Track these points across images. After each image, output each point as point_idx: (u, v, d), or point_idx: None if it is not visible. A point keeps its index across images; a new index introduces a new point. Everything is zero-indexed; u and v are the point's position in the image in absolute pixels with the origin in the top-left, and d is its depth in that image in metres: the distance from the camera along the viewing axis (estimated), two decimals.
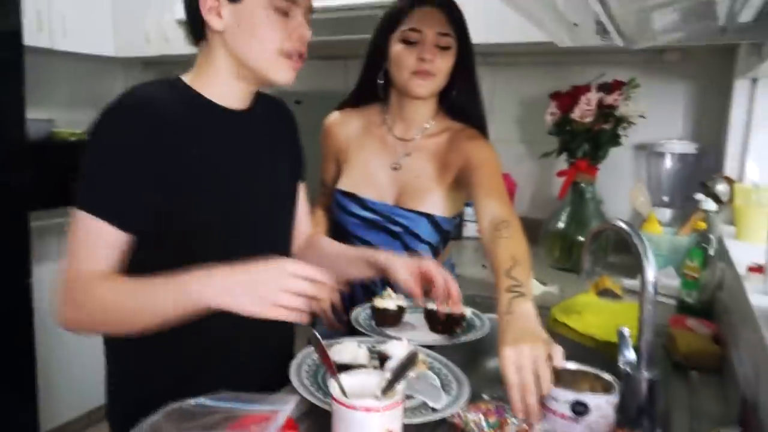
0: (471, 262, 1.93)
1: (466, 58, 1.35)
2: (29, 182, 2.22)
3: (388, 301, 1.22)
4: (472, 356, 1.22)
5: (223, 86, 1.01)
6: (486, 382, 1.02)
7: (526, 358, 0.81)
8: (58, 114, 2.94)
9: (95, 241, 0.91)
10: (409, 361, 0.78)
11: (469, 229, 2.21)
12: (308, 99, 2.65)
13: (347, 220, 1.41)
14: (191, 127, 0.97)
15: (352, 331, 1.25)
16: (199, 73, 1.02)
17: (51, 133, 2.77)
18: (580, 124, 1.81)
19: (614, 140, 1.83)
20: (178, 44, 2.53)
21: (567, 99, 1.86)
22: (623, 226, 0.96)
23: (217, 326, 0.92)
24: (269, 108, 1.15)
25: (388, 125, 1.43)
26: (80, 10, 2.71)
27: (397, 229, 1.37)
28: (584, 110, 1.79)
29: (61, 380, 2.52)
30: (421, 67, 1.30)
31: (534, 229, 1.97)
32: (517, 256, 1.02)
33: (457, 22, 1.33)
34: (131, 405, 0.92)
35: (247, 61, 0.98)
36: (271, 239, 1.11)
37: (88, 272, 0.90)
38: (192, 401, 0.64)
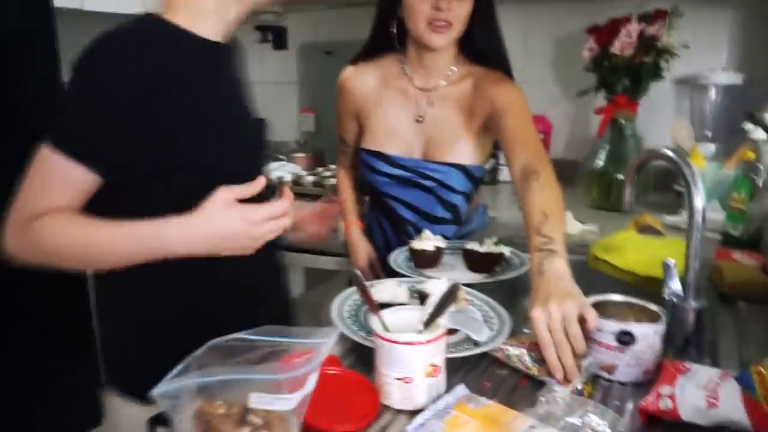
0: (507, 206, 1.89)
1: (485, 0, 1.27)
2: None
3: (426, 242, 1.20)
4: (510, 294, 1.19)
5: (211, 19, 0.92)
6: (525, 318, 1.01)
7: (555, 318, 0.78)
8: None
9: (63, 184, 0.83)
10: (451, 294, 0.77)
11: (505, 173, 2.16)
12: (339, 49, 2.60)
13: (377, 179, 1.38)
14: (191, 72, 0.89)
15: (391, 277, 1.24)
16: (181, 9, 0.90)
17: None
18: (619, 58, 1.73)
19: (656, 73, 1.74)
20: None
21: (606, 33, 1.77)
22: (670, 153, 0.91)
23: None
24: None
25: (407, 76, 1.36)
26: None
27: (429, 183, 1.34)
28: (624, 43, 1.71)
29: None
30: (437, 17, 1.21)
31: (572, 170, 1.93)
32: (547, 210, 0.97)
33: None
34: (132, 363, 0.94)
35: None
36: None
37: (44, 209, 0.83)
38: (233, 336, 0.64)
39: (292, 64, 2.83)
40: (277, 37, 2.80)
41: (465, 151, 1.31)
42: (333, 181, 2.18)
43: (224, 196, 0.83)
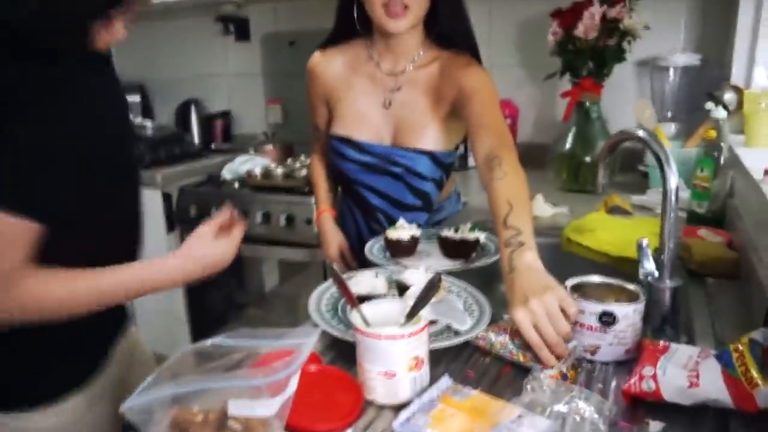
0: (478, 190, 1.89)
1: None
2: None
3: (401, 231, 1.18)
4: (486, 280, 1.19)
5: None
6: (503, 304, 1.00)
7: (540, 315, 0.76)
8: None
9: (13, 241, 0.76)
10: (432, 286, 0.75)
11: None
12: (303, 39, 2.54)
13: (347, 166, 1.35)
14: (84, 89, 0.83)
15: (365, 267, 1.22)
16: None
17: None
18: (584, 41, 1.72)
19: (619, 56, 1.75)
20: None
21: (569, 16, 1.77)
22: (643, 135, 0.90)
23: None
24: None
25: (374, 60, 1.32)
26: None
27: (397, 170, 1.31)
28: (588, 26, 1.70)
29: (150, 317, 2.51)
30: (393, 1, 1.17)
31: (540, 154, 1.93)
32: (512, 198, 0.94)
33: None
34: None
35: None
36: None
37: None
38: (209, 342, 0.61)
39: (256, 56, 2.77)
40: (239, 29, 2.73)
41: (433, 137, 1.29)
42: (304, 172, 2.14)
43: (206, 230, 0.92)
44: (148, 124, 2.70)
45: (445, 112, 1.27)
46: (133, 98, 2.99)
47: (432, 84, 1.28)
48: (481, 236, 1.18)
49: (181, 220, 2.35)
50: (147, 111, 3.05)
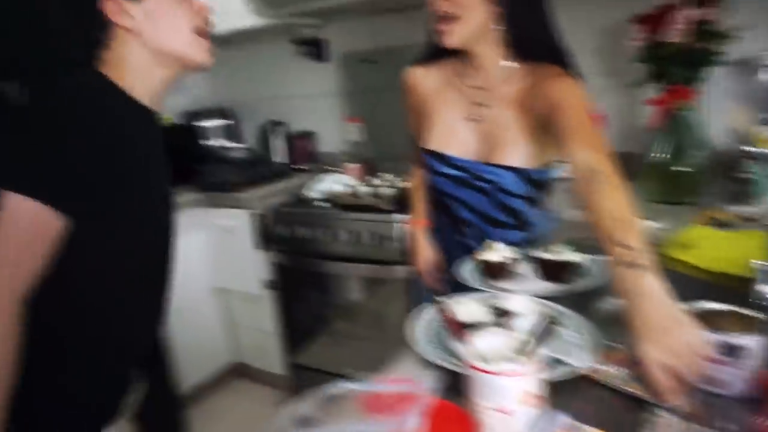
0: (565, 204, 1.83)
1: None
2: None
3: (494, 253, 1.17)
4: (578, 299, 1.15)
5: (144, 81, 1.01)
6: (603, 325, 0.96)
7: (674, 357, 0.71)
8: None
9: (36, 236, 0.84)
10: (549, 328, 0.74)
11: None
12: (381, 56, 2.57)
13: (436, 179, 1.37)
14: (129, 126, 0.98)
15: (456, 288, 1.22)
16: (114, 71, 0.99)
17: None
18: (673, 46, 1.65)
19: (712, 59, 1.66)
20: (243, 17, 2.50)
21: (654, 21, 1.69)
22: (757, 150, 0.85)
23: None
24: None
25: (463, 75, 1.33)
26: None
27: (485, 185, 1.30)
28: (676, 30, 1.63)
29: (193, 347, 2.65)
30: (436, 11, 1.16)
31: (627, 163, 1.84)
32: (620, 214, 0.90)
33: None
34: None
35: (167, 48, 1.01)
36: (171, 234, 1.17)
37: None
38: (332, 387, 0.62)
39: (335, 75, 2.82)
40: (317, 50, 2.80)
41: (522, 153, 1.25)
42: (389, 191, 2.15)
43: None
44: (235, 146, 2.82)
45: (536, 127, 1.23)
46: (219, 122, 3.13)
47: (520, 99, 1.26)
48: (580, 257, 1.15)
49: (270, 239, 2.43)
50: (232, 134, 3.17)
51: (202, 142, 3.03)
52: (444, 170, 1.34)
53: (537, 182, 1.30)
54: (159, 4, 0.99)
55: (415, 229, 1.51)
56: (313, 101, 2.96)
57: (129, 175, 0.97)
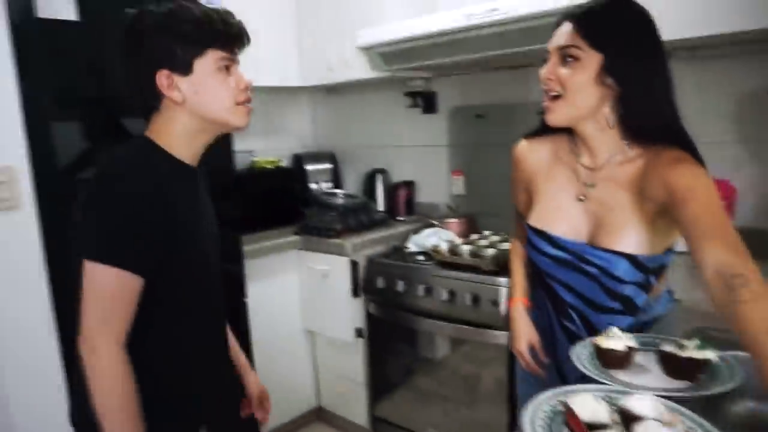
0: (689, 285, 1.70)
1: (625, 63, 1.11)
2: (238, 209, 2.39)
3: (615, 340, 1.10)
4: (709, 399, 1.04)
5: (188, 144, 1.15)
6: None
7: None
8: (255, 144, 3.17)
9: (122, 294, 1.03)
10: None
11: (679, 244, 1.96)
12: (489, 112, 2.57)
13: (539, 258, 1.31)
14: (175, 186, 1.11)
15: (558, 374, 1.16)
16: (163, 135, 1.13)
17: (252, 162, 3.00)
18: None
19: None
20: (359, 70, 2.61)
21: None
22: None
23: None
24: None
25: (575, 153, 1.28)
26: (270, 47, 2.89)
27: (592, 269, 1.22)
28: None
29: (276, 388, 2.69)
30: (544, 89, 1.18)
31: (762, 241, 1.69)
32: None
33: (592, 27, 1.12)
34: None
35: (210, 117, 1.12)
36: (218, 281, 1.27)
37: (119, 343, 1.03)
38: None
39: (442, 128, 2.84)
40: (427, 102, 2.84)
41: (635, 239, 1.17)
42: (491, 251, 2.11)
43: None
44: (338, 191, 2.89)
45: (651, 212, 1.15)
46: (325, 166, 3.24)
47: (635, 182, 1.18)
48: (712, 356, 1.05)
49: (367, 289, 2.44)
50: (337, 179, 3.27)
51: (306, 185, 3.14)
52: (548, 250, 1.28)
53: (650, 269, 1.20)
54: (205, 78, 1.09)
55: (515, 307, 1.44)
56: (417, 152, 2.99)
57: (182, 228, 1.11)
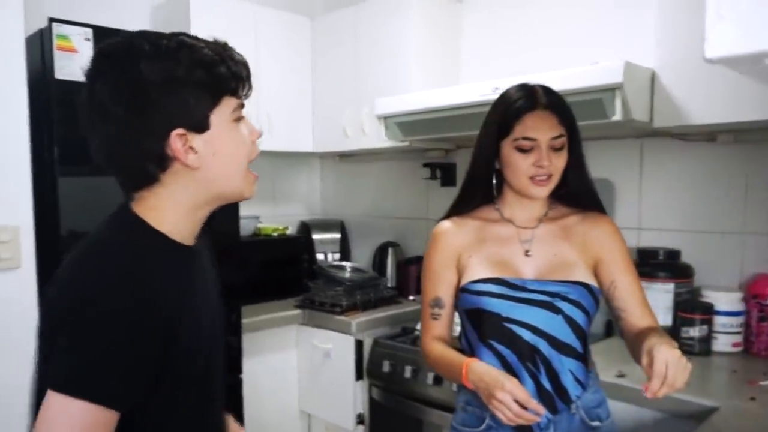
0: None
1: (576, 147, 1.41)
2: (240, 278, 2.42)
3: None
4: None
5: (191, 221, 0.99)
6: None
7: (674, 358, 1.09)
8: (261, 209, 3.25)
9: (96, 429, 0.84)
10: None
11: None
12: None
13: (495, 303, 1.34)
14: (172, 282, 0.94)
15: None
16: (159, 212, 0.95)
17: (257, 229, 3.06)
18: None
19: None
20: (375, 138, 2.72)
21: None
22: None
23: None
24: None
25: (506, 218, 1.45)
26: (283, 111, 3.02)
27: (557, 301, 1.34)
28: None
29: None
30: (539, 173, 1.35)
31: None
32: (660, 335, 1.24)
33: (566, 118, 1.38)
34: None
35: (221, 184, 0.97)
36: (220, 369, 1.14)
37: None
38: None
39: None
40: (445, 174, 2.92)
41: (584, 273, 1.39)
42: None
43: None
44: (346, 264, 2.94)
45: (591, 260, 1.41)
46: (333, 236, 3.29)
47: (571, 233, 1.43)
48: None
49: (372, 373, 2.43)
50: (345, 250, 3.31)
51: (312, 255, 3.18)
52: (505, 292, 1.36)
53: (597, 303, 1.40)
54: (221, 134, 0.94)
55: (473, 363, 1.32)
56: (432, 226, 3.03)
57: (180, 334, 0.94)
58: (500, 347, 1.36)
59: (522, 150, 1.35)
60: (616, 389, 1.65)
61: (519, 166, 1.36)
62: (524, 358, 1.34)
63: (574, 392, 1.34)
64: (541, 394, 1.32)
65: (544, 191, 1.38)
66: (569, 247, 1.42)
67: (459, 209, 1.50)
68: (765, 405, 1.54)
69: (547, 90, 1.39)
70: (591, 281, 1.38)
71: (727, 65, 1.06)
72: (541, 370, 1.33)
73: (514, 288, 1.37)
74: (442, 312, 1.46)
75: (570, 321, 1.35)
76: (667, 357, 1.09)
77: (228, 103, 0.95)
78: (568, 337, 1.35)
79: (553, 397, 1.33)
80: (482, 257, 1.42)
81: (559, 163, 1.37)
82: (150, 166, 0.92)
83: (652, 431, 1.67)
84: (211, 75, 0.92)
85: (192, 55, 0.91)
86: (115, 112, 0.89)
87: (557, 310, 1.34)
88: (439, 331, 1.47)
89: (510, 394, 1.19)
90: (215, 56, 0.93)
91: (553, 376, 1.33)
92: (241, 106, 0.98)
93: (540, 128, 1.35)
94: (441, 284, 1.46)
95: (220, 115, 0.94)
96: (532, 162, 1.35)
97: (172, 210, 0.96)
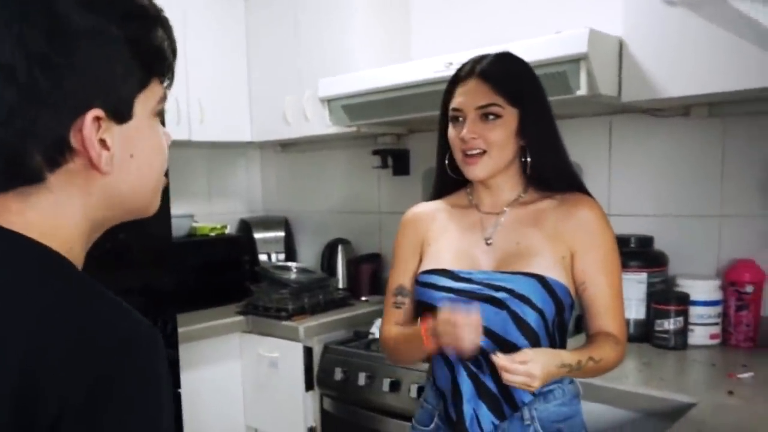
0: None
1: (533, 123, 1.34)
2: (174, 283, 2.33)
3: None
4: None
5: (87, 242, 0.75)
6: None
7: (530, 359, 1.18)
8: (196, 207, 3.14)
9: None
10: None
11: None
12: None
13: (437, 296, 1.33)
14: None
15: None
16: (46, 229, 0.69)
17: (192, 228, 2.96)
18: None
19: None
20: (319, 125, 2.64)
21: None
22: None
23: None
24: None
25: (474, 204, 1.44)
26: (216, 97, 2.91)
27: (500, 294, 1.29)
28: None
29: None
30: (465, 148, 1.32)
31: None
32: (601, 349, 1.30)
33: (506, 86, 1.32)
34: None
35: (132, 199, 0.76)
36: None
37: None
38: None
39: (416, 192, 2.86)
40: (398, 162, 2.87)
41: (543, 265, 1.31)
42: None
43: None
44: (292, 265, 2.87)
45: (563, 249, 1.33)
46: (277, 234, 3.23)
47: (541, 217, 1.37)
48: None
49: (323, 382, 2.39)
50: (290, 249, 3.25)
51: (254, 256, 3.11)
52: (449, 284, 1.34)
53: (560, 301, 1.31)
54: (142, 129, 0.74)
55: (430, 323, 1.27)
56: (386, 220, 2.99)
57: None
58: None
59: (455, 123, 1.35)
60: (589, 389, 1.62)
61: (454, 142, 1.35)
62: (467, 358, 1.32)
63: (520, 397, 1.29)
64: (482, 396, 1.30)
65: (478, 170, 1.33)
66: (537, 234, 1.35)
67: (435, 193, 1.51)
68: (744, 398, 1.55)
69: (494, 58, 1.36)
70: (550, 274, 1.30)
71: (690, 8, 1.04)
72: (485, 370, 1.30)
73: (458, 280, 1.35)
74: (405, 300, 1.47)
75: (516, 318, 1.29)
76: (533, 356, 1.17)
77: (154, 91, 0.74)
78: (513, 335, 1.30)
79: (499, 399, 1.30)
80: (440, 246, 1.42)
81: (492, 136, 1.31)
82: (36, 156, 0.67)
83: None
84: (147, 38, 0.71)
85: (127, 3, 0.70)
86: (18, 66, 0.64)
87: (502, 305, 1.29)
88: (400, 320, 1.47)
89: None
90: (154, 13, 0.73)
91: (499, 377, 1.25)
92: (164, 99, 0.77)
93: (467, 98, 1.33)
94: (405, 272, 1.47)
95: (145, 103, 0.73)
96: (459, 136, 1.33)
97: (68, 227, 0.71)
